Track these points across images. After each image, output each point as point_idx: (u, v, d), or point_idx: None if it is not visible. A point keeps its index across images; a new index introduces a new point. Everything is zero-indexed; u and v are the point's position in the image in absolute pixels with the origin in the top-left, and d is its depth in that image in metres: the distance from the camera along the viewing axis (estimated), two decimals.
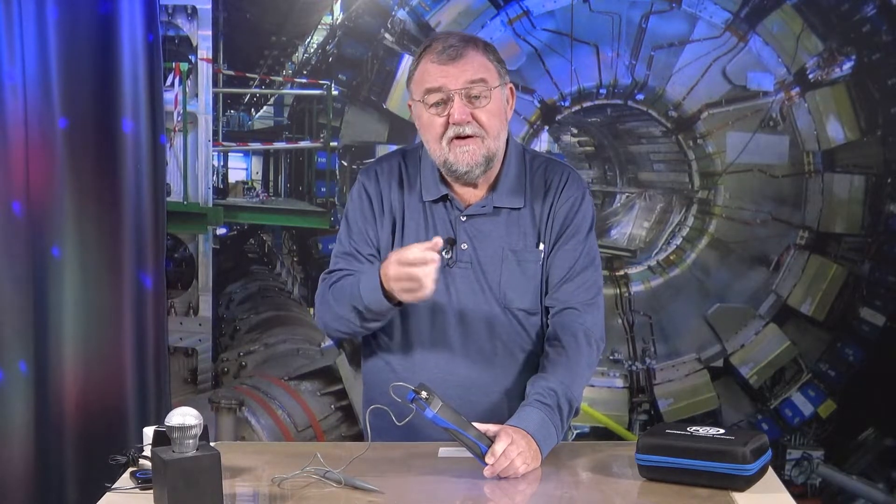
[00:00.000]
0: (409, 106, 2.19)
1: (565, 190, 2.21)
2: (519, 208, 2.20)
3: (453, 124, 2.09)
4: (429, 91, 2.10)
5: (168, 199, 3.57)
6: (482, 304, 2.19)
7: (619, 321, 3.69)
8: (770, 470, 1.96)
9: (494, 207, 2.19)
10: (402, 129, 3.62)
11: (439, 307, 2.19)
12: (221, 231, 3.72)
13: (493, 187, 2.20)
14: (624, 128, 3.70)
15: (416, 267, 1.96)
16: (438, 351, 2.20)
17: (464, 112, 2.09)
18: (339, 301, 2.14)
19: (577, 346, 2.14)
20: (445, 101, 2.10)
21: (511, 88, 2.20)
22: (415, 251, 1.97)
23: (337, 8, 3.63)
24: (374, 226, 2.23)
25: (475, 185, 2.19)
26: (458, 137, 2.10)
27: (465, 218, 2.20)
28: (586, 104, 3.65)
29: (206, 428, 1.77)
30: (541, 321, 2.23)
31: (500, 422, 2.03)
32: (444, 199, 2.20)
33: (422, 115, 2.14)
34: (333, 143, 3.67)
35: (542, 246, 2.20)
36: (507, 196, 2.20)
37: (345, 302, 2.12)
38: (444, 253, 2.17)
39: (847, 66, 3.60)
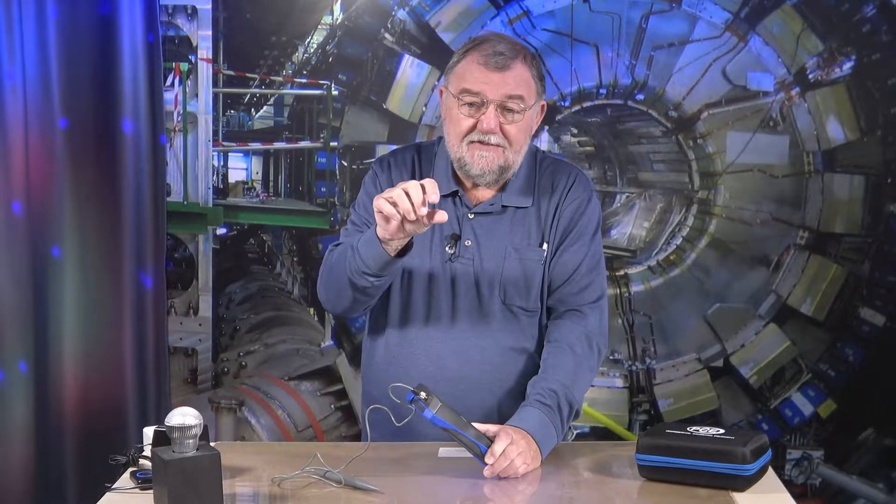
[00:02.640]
0: (441, 91, 2.19)
1: (572, 191, 2.22)
2: (526, 207, 2.21)
3: (480, 131, 2.10)
4: (466, 91, 2.10)
5: (168, 199, 3.57)
6: (480, 301, 2.19)
7: (619, 321, 3.70)
8: (770, 470, 1.96)
9: (503, 206, 2.20)
10: (402, 129, 3.62)
11: (436, 301, 2.20)
12: (221, 231, 3.72)
13: (502, 187, 2.21)
14: (624, 128, 3.70)
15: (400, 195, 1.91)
16: (432, 344, 2.20)
17: (494, 123, 2.09)
18: (339, 264, 2.12)
19: (578, 348, 2.15)
20: (479, 106, 2.10)
21: (543, 105, 2.20)
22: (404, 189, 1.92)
23: (337, 8, 3.63)
24: None
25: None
26: (481, 142, 2.11)
27: (472, 215, 2.20)
28: (586, 104, 3.65)
29: (206, 428, 1.77)
30: (540, 321, 2.23)
31: (492, 420, 2.04)
32: (454, 195, 2.21)
33: (451, 108, 2.14)
34: (333, 143, 3.67)
35: (545, 245, 2.20)
36: (517, 196, 2.20)
37: (342, 264, 2.10)
38: (447, 248, 2.18)
39: (847, 66, 3.60)
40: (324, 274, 2.19)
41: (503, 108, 2.10)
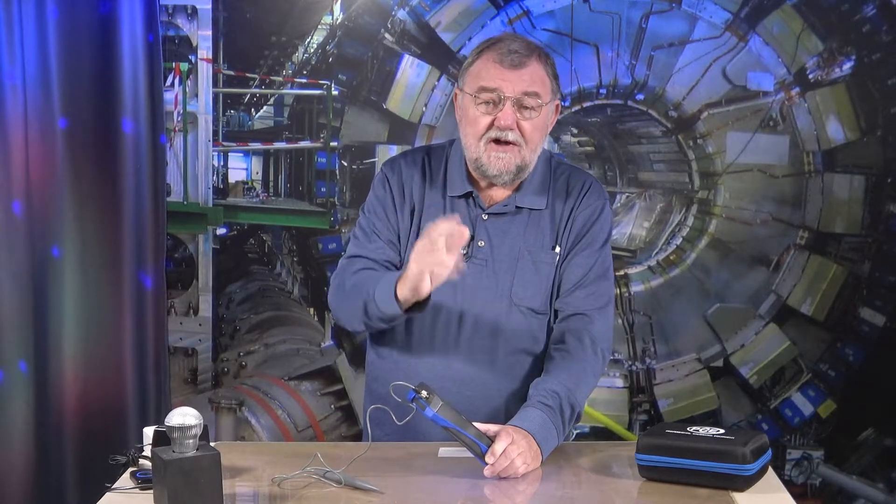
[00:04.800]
0: (455, 95, 2.21)
1: (586, 197, 2.23)
2: (540, 209, 2.21)
3: (497, 128, 2.11)
4: (483, 89, 2.11)
5: (168, 199, 3.57)
6: (490, 301, 2.19)
7: (620, 321, 3.70)
8: (770, 470, 1.96)
9: (517, 207, 2.21)
10: (402, 129, 3.62)
11: (447, 301, 2.19)
12: (221, 231, 3.72)
13: (517, 188, 2.21)
14: (624, 128, 3.70)
15: (441, 237, 1.93)
16: (438, 344, 2.20)
17: (511, 119, 2.10)
18: (355, 295, 2.14)
19: (582, 352, 2.15)
20: (496, 103, 2.11)
21: (557, 105, 2.22)
22: (443, 226, 1.94)
23: (337, 8, 3.63)
24: (394, 212, 2.23)
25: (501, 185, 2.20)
26: (497, 141, 2.12)
27: (486, 217, 2.21)
28: (586, 104, 3.65)
29: (206, 428, 1.77)
30: (547, 324, 2.23)
31: (498, 422, 2.04)
32: (468, 196, 2.21)
33: (468, 108, 2.15)
34: (333, 143, 3.66)
35: (558, 248, 2.21)
36: (531, 196, 2.21)
37: (358, 298, 2.12)
38: (460, 248, 2.18)
39: (847, 66, 3.60)
40: (338, 297, 2.20)
41: (520, 105, 2.11)
